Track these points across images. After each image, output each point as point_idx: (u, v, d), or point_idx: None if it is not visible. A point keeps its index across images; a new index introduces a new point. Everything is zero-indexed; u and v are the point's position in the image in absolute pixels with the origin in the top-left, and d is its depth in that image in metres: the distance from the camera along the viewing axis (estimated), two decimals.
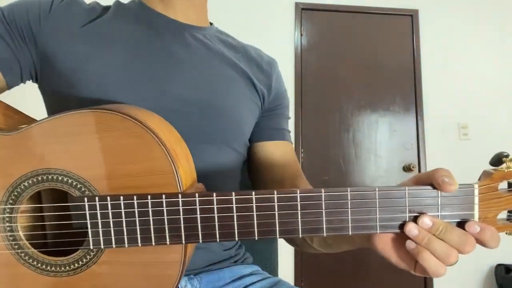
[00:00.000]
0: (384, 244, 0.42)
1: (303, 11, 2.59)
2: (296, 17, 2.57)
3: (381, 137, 2.56)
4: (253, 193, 0.39)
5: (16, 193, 0.42)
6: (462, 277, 2.46)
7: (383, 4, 2.63)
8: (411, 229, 0.38)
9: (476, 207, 0.39)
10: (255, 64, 0.69)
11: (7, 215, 0.42)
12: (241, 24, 2.42)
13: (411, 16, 2.65)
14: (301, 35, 2.57)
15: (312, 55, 2.58)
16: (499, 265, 2.44)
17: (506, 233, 0.40)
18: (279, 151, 0.68)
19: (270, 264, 0.81)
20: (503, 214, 0.39)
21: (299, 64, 2.54)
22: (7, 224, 0.42)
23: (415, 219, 0.39)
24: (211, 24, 0.70)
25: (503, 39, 2.68)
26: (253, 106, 0.66)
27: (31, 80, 0.60)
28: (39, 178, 0.42)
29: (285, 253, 2.35)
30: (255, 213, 0.39)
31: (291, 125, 2.43)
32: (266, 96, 0.68)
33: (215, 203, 0.39)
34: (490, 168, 0.40)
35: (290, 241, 0.66)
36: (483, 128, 2.55)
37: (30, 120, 0.49)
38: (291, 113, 2.42)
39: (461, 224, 0.38)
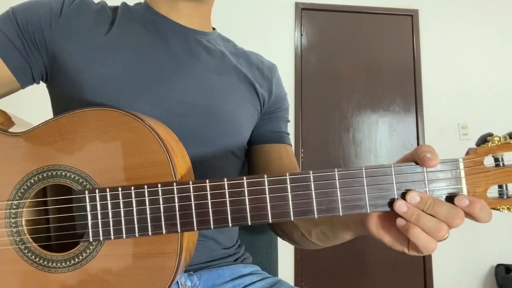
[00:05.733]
0: (377, 226, 0.43)
1: (303, 11, 2.60)
2: (296, 17, 2.58)
3: (381, 137, 2.56)
4: (245, 178, 0.41)
5: (22, 190, 0.44)
6: (462, 277, 2.46)
7: (383, 4, 2.63)
8: (400, 205, 0.39)
9: (463, 181, 0.39)
10: (256, 69, 0.70)
11: (13, 210, 0.44)
12: (241, 25, 2.43)
13: (411, 16, 2.65)
14: (301, 35, 2.57)
15: (312, 55, 2.58)
16: (499, 265, 2.44)
17: (501, 210, 0.39)
18: (278, 153, 0.68)
19: (270, 264, 0.81)
20: (495, 192, 0.40)
21: (299, 64, 2.54)
22: (13, 220, 0.44)
23: (404, 196, 0.39)
24: (214, 29, 0.71)
25: (503, 39, 2.68)
26: (253, 110, 0.67)
27: (42, 81, 0.62)
28: (45, 175, 0.44)
29: (285, 253, 2.35)
30: (247, 197, 0.40)
31: (291, 125, 2.44)
32: (267, 100, 0.69)
33: (208, 189, 0.40)
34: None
35: (289, 238, 0.66)
36: (483, 128, 2.54)
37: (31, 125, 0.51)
38: (291, 113, 2.42)
39: (451, 200, 0.39)
